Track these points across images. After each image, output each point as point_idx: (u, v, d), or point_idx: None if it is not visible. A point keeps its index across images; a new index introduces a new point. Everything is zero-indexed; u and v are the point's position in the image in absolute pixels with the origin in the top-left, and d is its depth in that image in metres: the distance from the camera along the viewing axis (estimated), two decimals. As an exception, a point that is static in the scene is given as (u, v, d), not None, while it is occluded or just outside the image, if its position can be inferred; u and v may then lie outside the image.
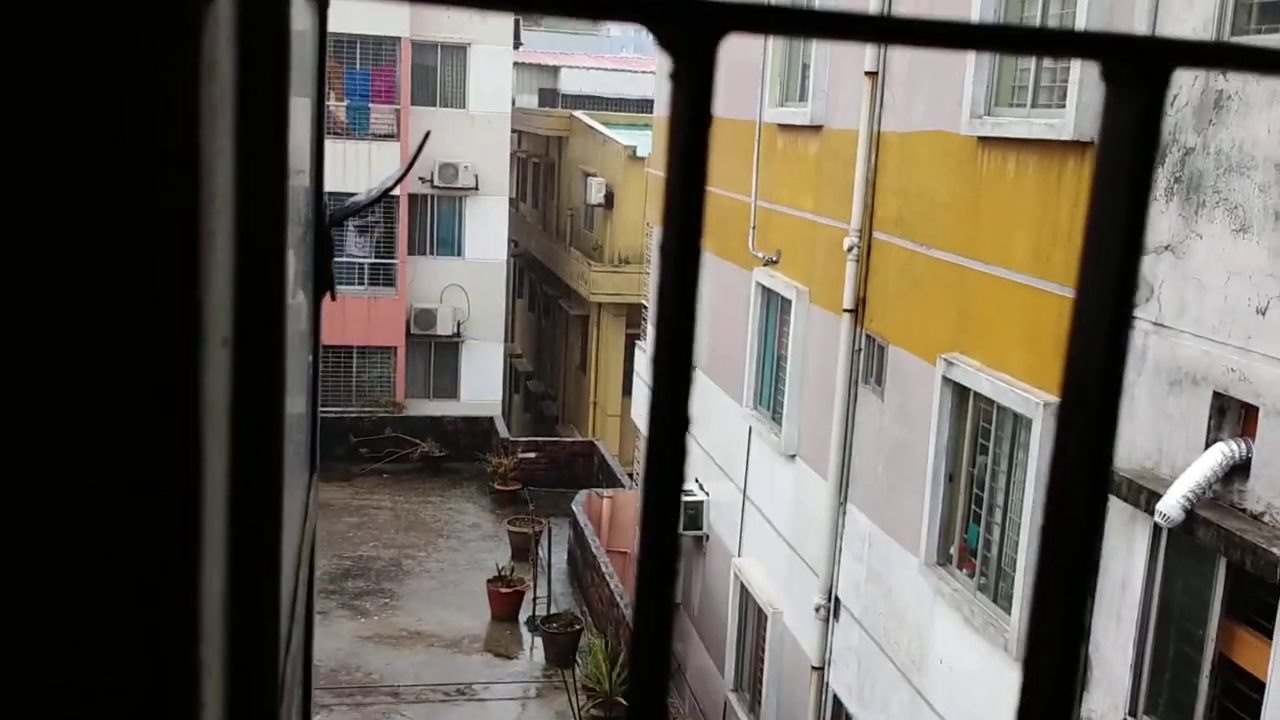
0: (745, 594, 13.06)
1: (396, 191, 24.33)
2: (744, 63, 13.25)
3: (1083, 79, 7.41)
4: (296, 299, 1.16)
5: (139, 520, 0.44)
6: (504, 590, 17.15)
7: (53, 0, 0.39)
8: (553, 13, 0.33)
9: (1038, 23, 8.20)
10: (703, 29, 0.30)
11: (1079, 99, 7.42)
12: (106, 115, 0.40)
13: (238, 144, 0.52)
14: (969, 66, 8.70)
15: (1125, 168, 0.32)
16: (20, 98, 0.40)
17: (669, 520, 0.37)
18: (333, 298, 1.44)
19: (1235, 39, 6.32)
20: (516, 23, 26.90)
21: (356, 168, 23.99)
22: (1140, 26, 6.87)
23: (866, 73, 10.22)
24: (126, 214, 0.41)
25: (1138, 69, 0.32)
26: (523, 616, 17.17)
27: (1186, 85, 6.53)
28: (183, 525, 0.45)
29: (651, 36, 0.31)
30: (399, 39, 24.90)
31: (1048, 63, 8.20)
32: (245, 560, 0.59)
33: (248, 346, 0.56)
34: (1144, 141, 0.32)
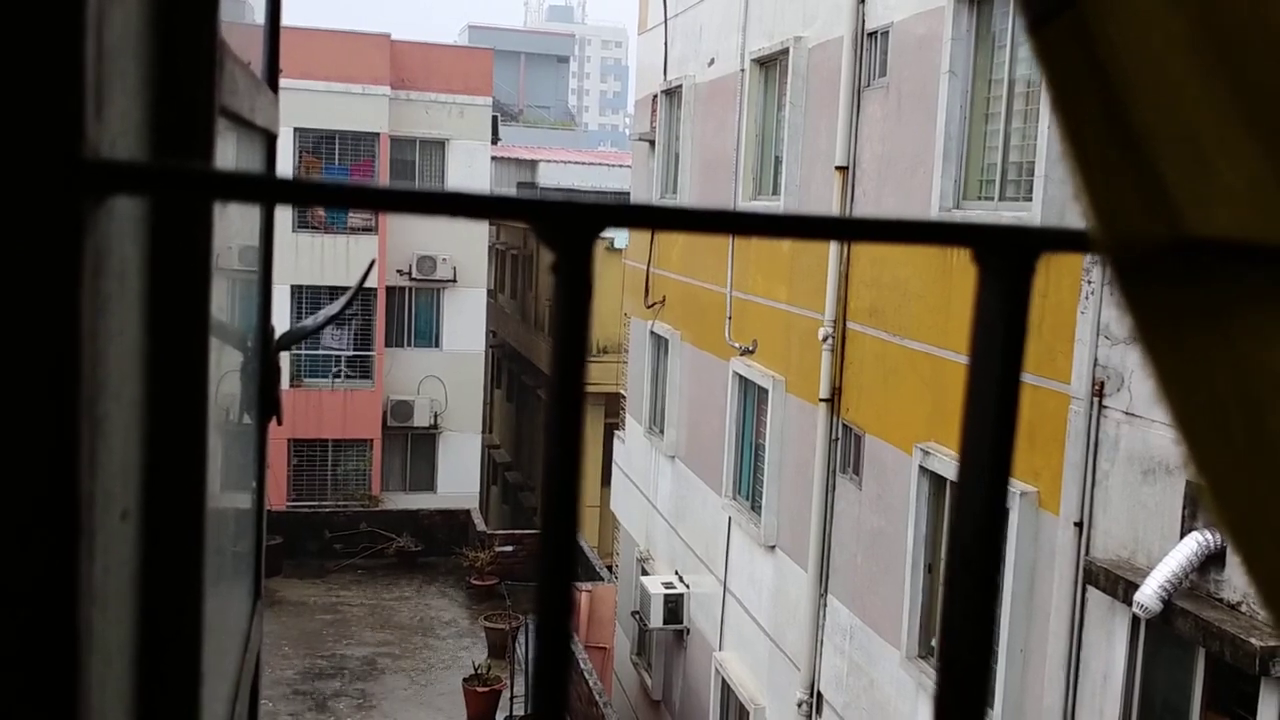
0: (727, 689, 12.85)
1: (375, 284, 24.43)
2: (718, 156, 13.48)
3: (1048, 174, 7.56)
4: (241, 425, 1.16)
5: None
6: (480, 690, 16.81)
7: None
8: (446, 214, 0.35)
9: (1001, 136, 8.39)
10: (577, 227, 0.31)
11: (1045, 192, 7.56)
12: None
13: (151, 332, 0.53)
14: (937, 160, 8.87)
15: (998, 345, 0.34)
16: None
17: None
18: (278, 423, 1.44)
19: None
20: (494, 118, 27.33)
21: (335, 261, 24.15)
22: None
23: (837, 167, 10.41)
24: None
25: (1005, 255, 0.33)
26: (500, 716, 16.81)
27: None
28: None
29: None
30: (378, 134, 25.23)
31: (1014, 156, 8.37)
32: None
33: (160, 516, 0.56)
34: (1013, 321, 0.33)
